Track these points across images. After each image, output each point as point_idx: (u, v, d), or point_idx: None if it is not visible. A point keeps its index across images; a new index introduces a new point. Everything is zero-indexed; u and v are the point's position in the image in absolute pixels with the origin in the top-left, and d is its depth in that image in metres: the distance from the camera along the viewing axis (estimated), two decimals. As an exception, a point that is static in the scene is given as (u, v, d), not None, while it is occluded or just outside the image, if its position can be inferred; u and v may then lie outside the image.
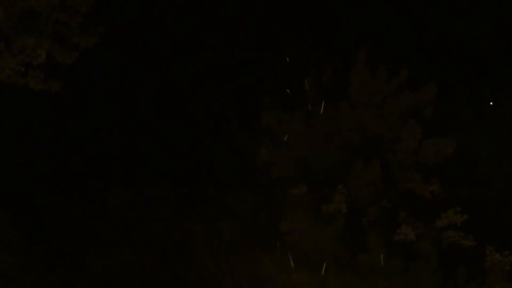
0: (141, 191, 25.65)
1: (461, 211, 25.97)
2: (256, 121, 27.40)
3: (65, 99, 23.04)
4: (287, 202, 25.77)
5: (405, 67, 27.16)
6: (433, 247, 25.49)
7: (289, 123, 27.31)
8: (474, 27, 30.11)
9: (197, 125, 27.74)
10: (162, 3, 28.29)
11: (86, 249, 24.91)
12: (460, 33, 30.02)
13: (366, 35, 28.57)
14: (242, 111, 27.92)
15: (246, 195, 25.95)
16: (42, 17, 19.22)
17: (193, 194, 26.01)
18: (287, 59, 28.62)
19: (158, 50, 28.10)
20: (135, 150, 26.42)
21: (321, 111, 27.33)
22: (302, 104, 27.65)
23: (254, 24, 28.94)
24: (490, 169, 27.46)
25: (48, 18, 19.27)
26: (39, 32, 19.04)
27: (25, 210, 24.83)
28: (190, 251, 25.37)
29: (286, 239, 25.42)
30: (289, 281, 24.97)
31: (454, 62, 29.31)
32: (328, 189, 26.02)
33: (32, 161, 25.63)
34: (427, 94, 27.21)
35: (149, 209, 25.58)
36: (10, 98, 22.37)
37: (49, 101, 22.43)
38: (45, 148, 25.84)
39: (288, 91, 27.76)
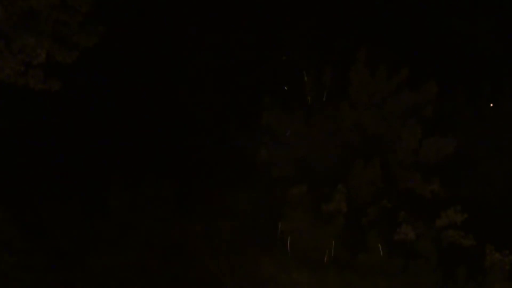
0: (141, 191, 25.63)
1: (461, 211, 25.99)
2: (256, 121, 27.40)
3: (65, 98, 23.05)
4: (287, 202, 25.76)
5: (405, 67, 27.18)
6: (433, 246, 25.51)
7: (289, 123, 27.31)
8: (474, 27, 30.08)
9: (197, 125, 27.70)
10: (162, 3, 28.27)
11: (86, 249, 24.86)
12: (460, 33, 29.99)
13: (366, 35, 28.54)
14: (242, 111, 27.91)
15: (246, 195, 25.92)
16: (42, 17, 19.26)
17: (193, 194, 25.98)
18: (284, 58, 28.62)
19: (158, 50, 28.07)
20: (135, 150, 26.38)
21: (321, 111, 27.35)
22: (302, 104, 27.66)
23: (254, 24, 28.91)
24: (490, 168, 27.47)
25: (48, 17, 19.31)
26: (39, 32, 19.07)
27: (25, 210, 24.78)
28: (190, 251, 25.33)
29: (286, 239, 25.42)
30: (289, 281, 24.95)
31: (454, 62, 29.30)
32: (328, 189, 26.03)
33: (32, 161, 25.57)
34: (427, 93, 27.21)
35: (149, 209, 25.54)
36: (10, 97, 22.38)
37: (49, 101, 22.45)
38: (45, 148, 25.79)
39: (286, 87, 27.76)
